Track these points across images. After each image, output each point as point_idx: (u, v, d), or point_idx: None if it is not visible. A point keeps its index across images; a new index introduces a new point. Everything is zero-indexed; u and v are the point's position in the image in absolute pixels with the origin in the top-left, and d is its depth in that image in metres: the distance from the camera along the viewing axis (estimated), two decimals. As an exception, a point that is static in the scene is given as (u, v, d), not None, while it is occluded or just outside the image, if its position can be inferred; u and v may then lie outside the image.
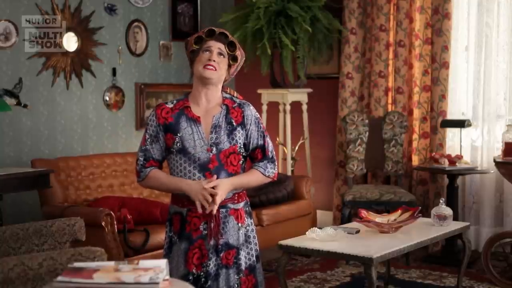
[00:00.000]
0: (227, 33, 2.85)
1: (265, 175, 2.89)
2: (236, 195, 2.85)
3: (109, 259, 3.63)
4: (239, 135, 2.83)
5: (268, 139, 2.92)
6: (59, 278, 2.03)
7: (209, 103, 2.85)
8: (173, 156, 2.83)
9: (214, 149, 2.78)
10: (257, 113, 2.92)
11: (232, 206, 2.84)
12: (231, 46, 2.85)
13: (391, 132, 5.77)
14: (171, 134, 2.81)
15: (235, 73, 2.95)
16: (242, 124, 2.85)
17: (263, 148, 2.90)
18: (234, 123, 2.84)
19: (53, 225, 3.41)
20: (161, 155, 2.87)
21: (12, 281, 2.75)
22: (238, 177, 2.83)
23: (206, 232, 2.79)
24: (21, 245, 3.35)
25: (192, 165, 2.78)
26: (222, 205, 2.80)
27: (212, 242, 2.79)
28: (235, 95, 2.95)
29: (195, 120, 2.81)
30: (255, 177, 2.88)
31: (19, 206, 5.18)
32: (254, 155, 2.90)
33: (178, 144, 2.79)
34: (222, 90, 2.91)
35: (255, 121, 2.88)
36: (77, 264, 2.15)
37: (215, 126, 2.81)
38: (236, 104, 2.88)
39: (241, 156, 2.85)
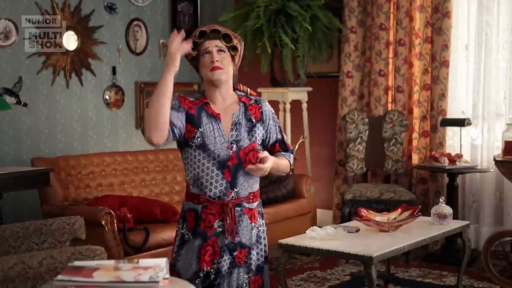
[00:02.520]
0: (218, 27, 2.82)
1: (290, 164, 2.93)
2: (251, 194, 2.84)
3: (109, 258, 3.64)
4: (258, 131, 2.84)
5: (283, 133, 2.97)
6: (59, 276, 2.04)
7: (225, 101, 2.84)
8: (191, 151, 2.79)
9: (235, 146, 2.78)
10: (272, 109, 2.95)
11: (247, 205, 2.83)
12: (226, 37, 2.83)
13: (391, 131, 5.77)
14: (192, 127, 2.77)
15: (239, 62, 2.93)
16: (261, 120, 2.86)
17: (282, 142, 2.94)
18: (254, 120, 2.84)
19: (53, 224, 3.42)
20: (178, 119, 2.73)
21: (12, 280, 2.75)
22: (275, 158, 2.83)
23: (220, 229, 2.79)
24: (21, 243, 3.35)
25: (211, 161, 2.76)
26: (238, 204, 2.80)
27: (227, 240, 2.78)
28: (248, 92, 2.95)
29: (215, 117, 2.80)
30: (284, 163, 2.90)
31: (19, 205, 5.18)
32: (274, 150, 2.92)
33: (198, 140, 2.77)
34: (235, 89, 2.90)
35: (272, 116, 2.91)
36: (77, 263, 2.15)
37: (236, 123, 2.81)
38: (252, 101, 2.89)
39: (258, 154, 2.83)
